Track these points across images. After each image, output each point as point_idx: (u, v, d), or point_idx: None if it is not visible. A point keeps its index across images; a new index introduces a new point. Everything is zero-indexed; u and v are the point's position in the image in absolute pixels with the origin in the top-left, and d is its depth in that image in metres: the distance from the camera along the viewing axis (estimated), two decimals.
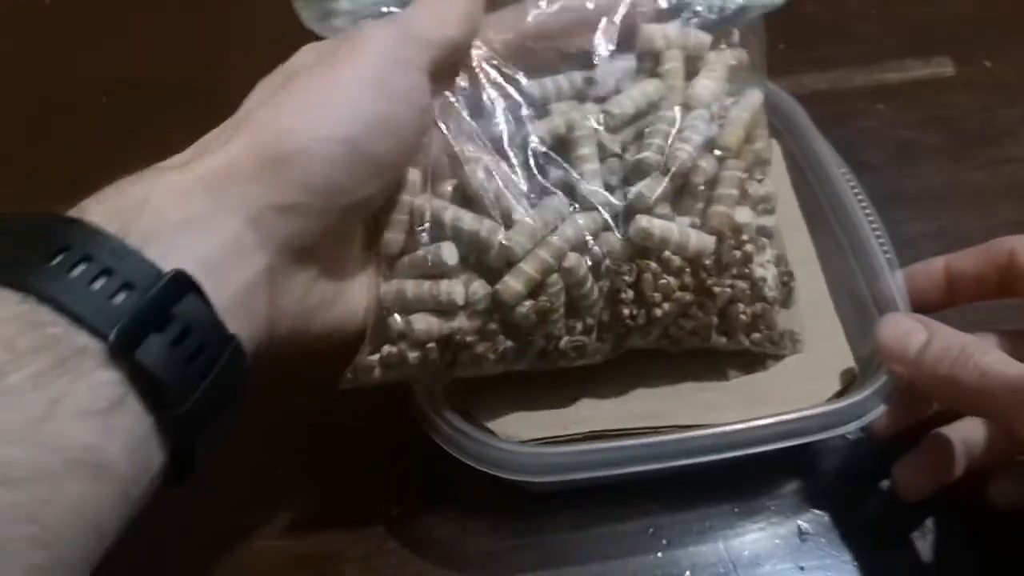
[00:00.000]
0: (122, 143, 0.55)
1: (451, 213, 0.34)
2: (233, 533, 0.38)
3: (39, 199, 0.53)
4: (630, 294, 0.35)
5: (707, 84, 0.37)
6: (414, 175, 0.35)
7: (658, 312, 0.35)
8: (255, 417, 0.42)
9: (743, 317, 0.36)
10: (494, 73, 0.36)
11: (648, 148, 0.35)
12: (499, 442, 0.35)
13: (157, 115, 0.56)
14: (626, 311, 0.35)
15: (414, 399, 0.36)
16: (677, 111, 0.36)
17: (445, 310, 0.34)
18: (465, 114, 0.36)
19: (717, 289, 0.35)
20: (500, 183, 0.35)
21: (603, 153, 0.36)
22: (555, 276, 0.34)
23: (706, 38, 0.39)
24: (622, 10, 0.38)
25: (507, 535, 0.38)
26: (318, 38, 0.37)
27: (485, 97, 0.36)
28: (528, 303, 0.34)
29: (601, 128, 0.36)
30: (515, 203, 0.34)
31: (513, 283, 0.33)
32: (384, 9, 0.36)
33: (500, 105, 0.36)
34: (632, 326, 0.35)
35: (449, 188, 0.36)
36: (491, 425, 0.36)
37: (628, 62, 0.38)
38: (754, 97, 0.38)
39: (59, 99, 0.58)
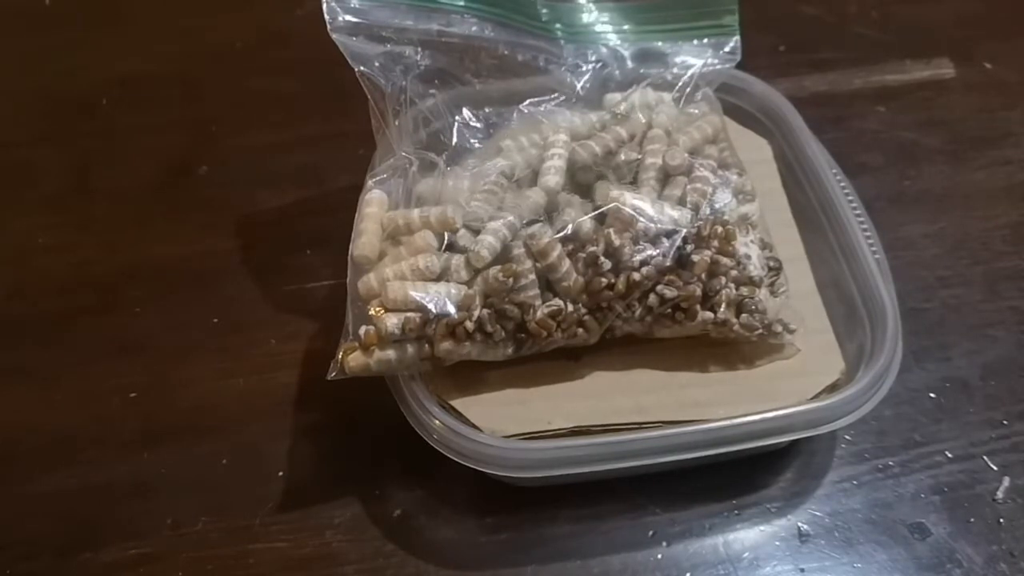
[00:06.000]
0: (122, 143, 0.55)
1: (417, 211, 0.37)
2: (233, 534, 0.38)
3: (39, 199, 0.53)
4: (607, 263, 0.35)
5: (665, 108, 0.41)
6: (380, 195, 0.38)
7: (636, 276, 0.35)
8: (255, 419, 0.42)
9: (727, 291, 0.36)
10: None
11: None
12: (481, 436, 0.35)
13: (157, 115, 0.56)
14: (604, 280, 0.35)
15: (400, 392, 0.36)
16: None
17: (423, 278, 0.35)
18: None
19: (696, 257, 0.36)
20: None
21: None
22: (519, 242, 0.35)
23: (666, 95, 0.41)
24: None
25: (508, 536, 0.38)
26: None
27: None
28: (497, 266, 0.35)
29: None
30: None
31: (480, 248, 0.35)
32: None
33: None
34: (611, 295, 0.35)
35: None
36: (475, 420, 0.36)
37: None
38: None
39: (59, 99, 0.58)
